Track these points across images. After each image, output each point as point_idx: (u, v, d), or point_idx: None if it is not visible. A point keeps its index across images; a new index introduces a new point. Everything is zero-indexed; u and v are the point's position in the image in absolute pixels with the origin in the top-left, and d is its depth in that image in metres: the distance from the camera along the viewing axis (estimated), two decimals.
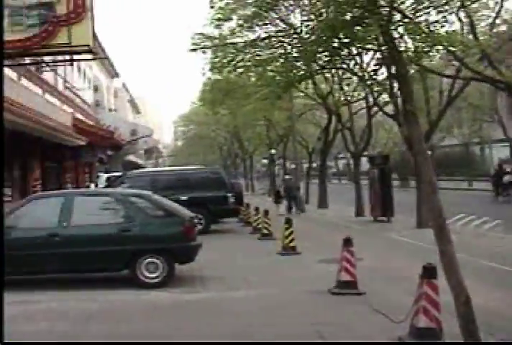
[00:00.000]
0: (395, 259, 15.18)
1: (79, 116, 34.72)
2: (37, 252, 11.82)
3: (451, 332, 7.53)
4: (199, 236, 13.21)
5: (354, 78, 21.94)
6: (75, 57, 18.36)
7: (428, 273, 7.61)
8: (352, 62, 10.06)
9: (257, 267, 14.33)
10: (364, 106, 31.12)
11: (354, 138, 30.76)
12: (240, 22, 13.46)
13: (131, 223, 12.14)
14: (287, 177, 35.80)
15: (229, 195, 23.00)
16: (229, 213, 23.63)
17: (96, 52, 18.57)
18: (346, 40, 7.90)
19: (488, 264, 14.03)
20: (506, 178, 35.92)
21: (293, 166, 44.09)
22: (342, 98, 31.42)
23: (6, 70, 20.52)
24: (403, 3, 7.73)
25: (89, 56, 18.33)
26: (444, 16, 8.02)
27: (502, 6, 19.15)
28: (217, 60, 15.46)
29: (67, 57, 17.82)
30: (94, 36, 17.12)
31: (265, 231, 20.29)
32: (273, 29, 11.80)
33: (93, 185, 33.48)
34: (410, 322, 7.81)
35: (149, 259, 12.05)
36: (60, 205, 12.27)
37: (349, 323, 8.88)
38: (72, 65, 22.46)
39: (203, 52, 16.56)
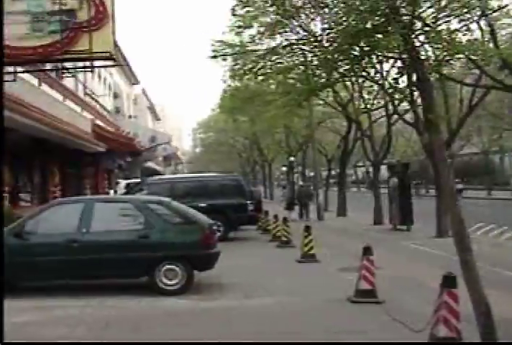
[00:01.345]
0: (414, 268, 15.12)
1: (99, 122, 34.87)
2: (56, 258, 11.86)
3: (471, 342, 7.49)
4: (218, 243, 13.21)
5: (375, 86, 22.03)
6: (96, 63, 18.46)
7: (449, 282, 7.58)
8: (373, 70, 10.05)
9: (275, 275, 14.32)
10: (384, 114, 31.10)
11: (373, 146, 30.72)
12: (261, 30, 13.47)
13: (151, 230, 12.16)
14: (301, 183, 36.19)
15: (248, 202, 23.03)
16: (248, 220, 23.61)
17: (116, 58, 18.67)
18: (367, 48, 7.91)
19: (510, 274, 13.93)
20: None
21: (312, 174, 44.05)
22: (362, 106, 31.46)
23: (27, 76, 20.68)
24: (424, 11, 7.74)
25: (110, 63, 18.43)
26: (465, 25, 8.03)
27: None
28: (237, 67, 15.52)
29: (88, 63, 17.92)
30: (115, 43, 17.21)
31: (284, 239, 20.28)
32: (294, 36, 11.80)
33: (112, 192, 33.61)
34: (430, 331, 7.77)
35: (168, 266, 12.06)
36: (80, 212, 12.32)
37: (368, 332, 8.85)
38: (92, 71, 22.58)
39: (224, 60, 16.64)
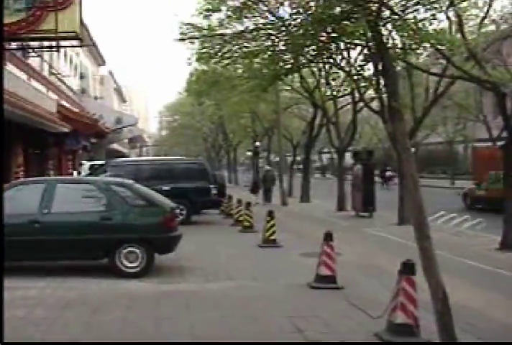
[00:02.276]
0: (375, 255, 15.24)
1: (64, 103, 34.52)
2: (17, 239, 11.72)
3: (428, 329, 7.57)
4: (180, 226, 13.19)
5: (341, 73, 22.02)
6: (62, 43, 18.27)
7: (407, 269, 7.65)
8: (340, 57, 10.06)
9: (236, 259, 14.34)
10: (350, 101, 31.15)
11: (339, 133, 30.79)
12: (229, 13, 13.40)
13: (112, 212, 12.10)
14: (267, 167, 36.72)
15: (212, 186, 23.01)
16: (211, 204, 23.62)
17: (82, 39, 18.46)
18: (334, 34, 7.89)
19: (467, 263, 14.10)
20: None
21: (277, 159, 44.14)
22: (328, 93, 31.47)
23: None
24: None
25: (76, 43, 18.23)
26: (433, 14, 8.03)
27: (490, 6, 19.17)
28: (204, 50, 15.39)
29: (54, 43, 17.68)
30: (81, 23, 17.03)
31: (247, 224, 20.29)
32: (262, 21, 11.75)
33: (76, 173, 33.34)
34: (388, 318, 7.84)
35: (129, 249, 12.04)
36: (42, 192, 12.21)
37: (327, 318, 8.89)
38: (58, 51, 22.30)
39: (191, 43, 16.46)
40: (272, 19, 12.92)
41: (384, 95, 9.28)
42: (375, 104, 26.12)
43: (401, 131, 7.52)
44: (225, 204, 26.01)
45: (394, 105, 7.42)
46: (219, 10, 15.02)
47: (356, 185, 26.69)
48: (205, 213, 24.81)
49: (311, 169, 44.64)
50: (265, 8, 13.93)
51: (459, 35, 17.35)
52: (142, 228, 12.18)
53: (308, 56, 8.90)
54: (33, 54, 27.07)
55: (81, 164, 35.75)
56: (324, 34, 7.92)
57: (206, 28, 16.65)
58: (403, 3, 7.85)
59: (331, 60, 11.81)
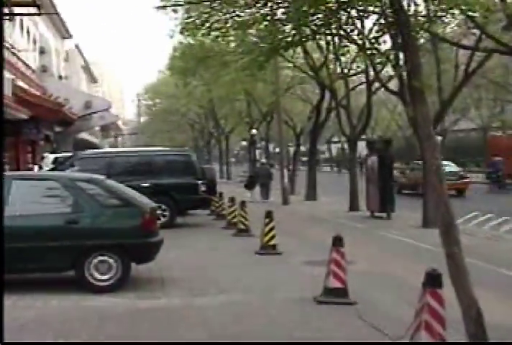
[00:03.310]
0: (394, 264, 15.20)
1: (21, 83, 34.40)
2: None
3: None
4: (162, 230, 13.15)
5: (353, 47, 21.96)
6: (17, 10, 18.08)
7: (432, 281, 7.57)
8: (351, 27, 9.97)
9: (229, 269, 14.30)
10: (364, 80, 31.11)
11: (350, 118, 30.73)
12: None
13: (80, 214, 12.04)
14: (262, 160, 37.15)
15: (200, 182, 22.98)
16: (199, 203, 23.60)
17: (41, 5, 18.32)
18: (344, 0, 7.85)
19: (505, 273, 14.06)
20: None
21: (277, 150, 44.13)
22: (338, 71, 31.42)
23: None
24: None
25: (34, 10, 18.10)
26: None
27: None
28: (190, 20, 15.31)
29: (7, 10, 17.50)
30: None
31: (241, 226, 20.26)
32: None
33: (36, 168, 33.26)
34: (410, 339, 7.79)
35: (101, 258, 11.97)
36: None
37: (338, 340, 8.85)
38: (11, 19, 22.02)
39: (174, 11, 16.38)
40: None
41: (404, 73, 9.22)
42: (393, 84, 26.09)
43: (424, 116, 7.47)
44: (216, 203, 25.98)
45: (416, 84, 7.36)
46: None
47: (371, 181, 26.65)
48: (192, 214, 24.77)
49: (317, 161, 44.46)
50: None
51: None
52: (115, 232, 12.12)
53: (312, 26, 8.83)
54: None
55: (43, 158, 35.64)
56: None
57: None
58: None
59: (341, 31, 11.72)
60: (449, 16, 8.57)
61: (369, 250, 17.01)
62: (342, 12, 8.32)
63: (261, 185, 35.61)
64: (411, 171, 38.32)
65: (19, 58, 37.73)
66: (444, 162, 38.35)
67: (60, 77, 54.14)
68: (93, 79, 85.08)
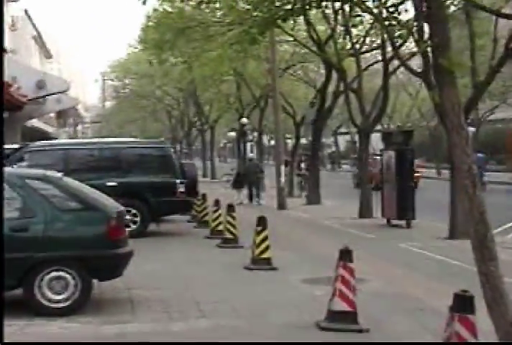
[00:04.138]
0: (414, 283, 15.20)
1: None
2: None
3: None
4: (131, 240, 13.13)
5: (367, 17, 21.98)
6: None
7: (463, 305, 7.54)
8: None
9: (213, 288, 14.30)
10: (380, 58, 31.11)
11: (362, 105, 30.70)
12: None
13: (30, 220, 11.99)
14: (251, 155, 37.41)
15: (178, 181, 22.95)
16: (177, 207, 23.60)
17: None
18: None
19: None
20: None
21: (273, 143, 44.11)
22: (348, 46, 31.40)
23: None
24: None
25: None
26: None
27: None
28: None
29: None
30: None
31: (228, 235, 20.23)
32: None
33: None
34: None
35: (55, 273, 11.91)
36: None
37: None
38: None
39: None
40: None
41: (429, 49, 9.20)
42: (415, 62, 26.09)
43: (453, 102, 7.45)
44: (197, 207, 25.98)
45: (444, 63, 7.35)
46: None
47: (387, 181, 26.65)
48: (168, 220, 24.75)
49: (321, 156, 44.47)
50: None
51: None
52: (73, 242, 12.08)
53: None
54: None
55: None
56: None
57: None
58: None
59: None
60: None
61: (384, 266, 17.01)
62: None
63: (250, 185, 36.04)
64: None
65: None
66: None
67: (5, 51, 53.95)
68: (47, 54, 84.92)
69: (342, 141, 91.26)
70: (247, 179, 36.25)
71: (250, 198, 36.16)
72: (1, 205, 10.79)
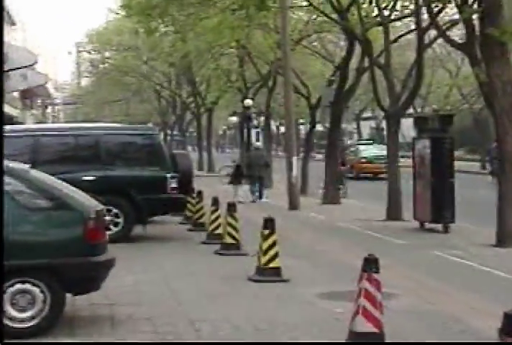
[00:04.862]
0: (453, 299, 15.21)
1: None
2: None
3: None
4: (112, 245, 13.12)
5: None
6: None
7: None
8: None
9: (211, 304, 14.33)
10: (413, 27, 31.08)
11: (391, 83, 30.68)
12: None
13: None
14: (257, 144, 37.26)
15: (169, 175, 22.97)
16: (168, 206, 23.67)
17: None
18: None
19: None
20: None
21: (283, 129, 44.11)
22: (374, 14, 31.37)
23: None
24: None
25: None
26: None
27: None
28: None
29: None
30: None
31: (229, 240, 20.25)
32: None
33: None
34: None
35: (19, 286, 11.89)
36: None
37: None
38: None
39: None
40: None
41: (475, 17, 9.18)
42: (456, 33, 26.06)
43: (504, 81, 7.44)
44: (192, 206, 26.04)
45: (493, 32, 7.32)
46: None
47: (421, 176, 26.62)
48: (157, 221, 24.81)
49: (342, 146, 44.39)
50: None
51: None
52: (43, 248, 12.07)
53: None
54: None
55: None
56: None
57: None
58: None
59: None
60: None
61: (417, 278, 17.01)
62: None
63: (252, 179, 36.16)
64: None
65: None
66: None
67: None
68: (10, 20, 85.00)
69: (366, 127, 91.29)
70: (249, 172, 36.26)
71: (260, 195, 36.21)
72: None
